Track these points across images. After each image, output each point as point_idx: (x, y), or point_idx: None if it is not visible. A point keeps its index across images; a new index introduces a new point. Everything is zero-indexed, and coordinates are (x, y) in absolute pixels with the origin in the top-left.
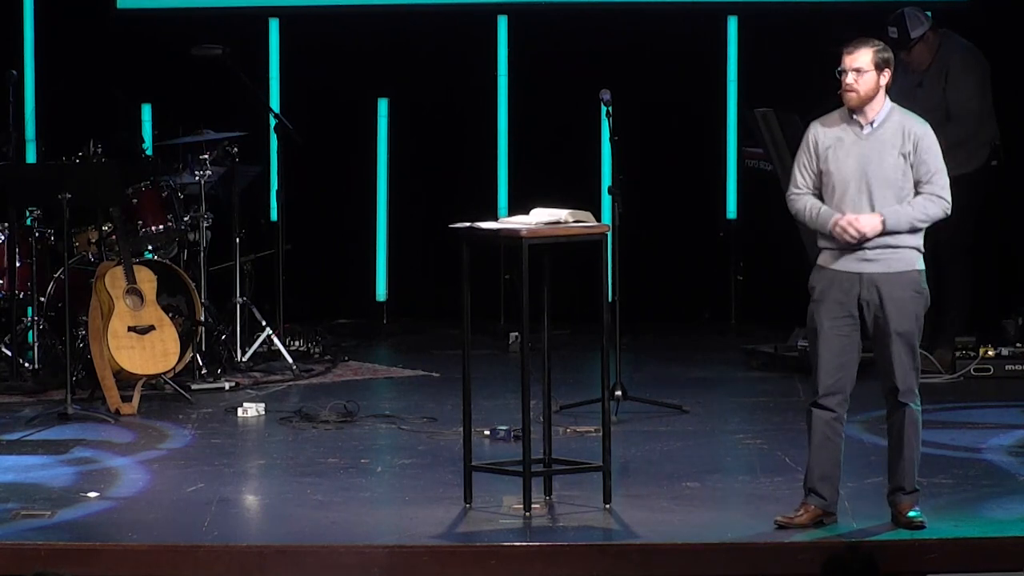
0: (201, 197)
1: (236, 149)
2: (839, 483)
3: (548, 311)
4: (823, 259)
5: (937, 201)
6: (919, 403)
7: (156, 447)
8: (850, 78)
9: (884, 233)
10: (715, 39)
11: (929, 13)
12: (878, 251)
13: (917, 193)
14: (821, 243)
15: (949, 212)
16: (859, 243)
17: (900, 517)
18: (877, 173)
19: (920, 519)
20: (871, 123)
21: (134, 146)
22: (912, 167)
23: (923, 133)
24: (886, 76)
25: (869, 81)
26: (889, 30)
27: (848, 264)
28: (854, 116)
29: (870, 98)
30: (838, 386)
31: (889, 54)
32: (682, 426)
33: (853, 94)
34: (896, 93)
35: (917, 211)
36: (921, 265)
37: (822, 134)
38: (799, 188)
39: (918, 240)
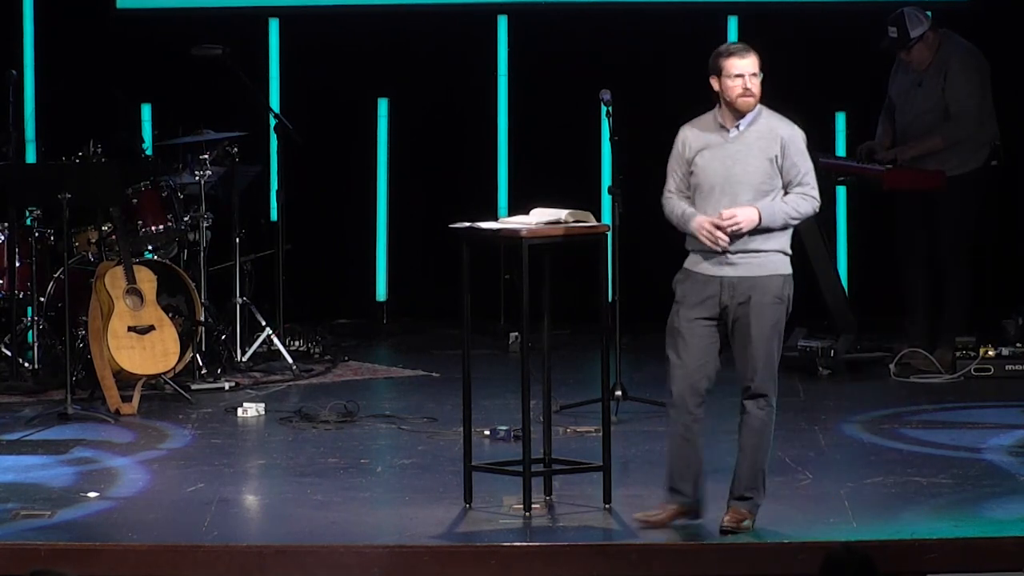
0: (201, 197)
1: (236, 149)
2: (703, 479)
3: (548, 311)
4: (688, 261)
5: (809, 199)
6: (773, 410)
7: (156, 447)
8: (750, 82)
9: (756, 232)
10: (715, 39)
11: (929, 13)
12: (741, 255)
13: (788, 193)
14: (688, 245)
15: (818, 210)
16: (722, 248)
17: (722, 521)
18: (741, 176)
19: (734, 526)
20: (737, 126)
21: (134, 146)
22: (781, 170)
23: (790, 135)
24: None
25: (759, 85)
26: (889, 30)
27: (711, 268)
28: (722, 120)
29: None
30: (696, 387)
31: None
32: None
33: (751, 99)
34: (896, 92)
35: (790, 207)
36: (786, 270)
37: (691, 137)
38: (670, 191)
39: (783, 243)
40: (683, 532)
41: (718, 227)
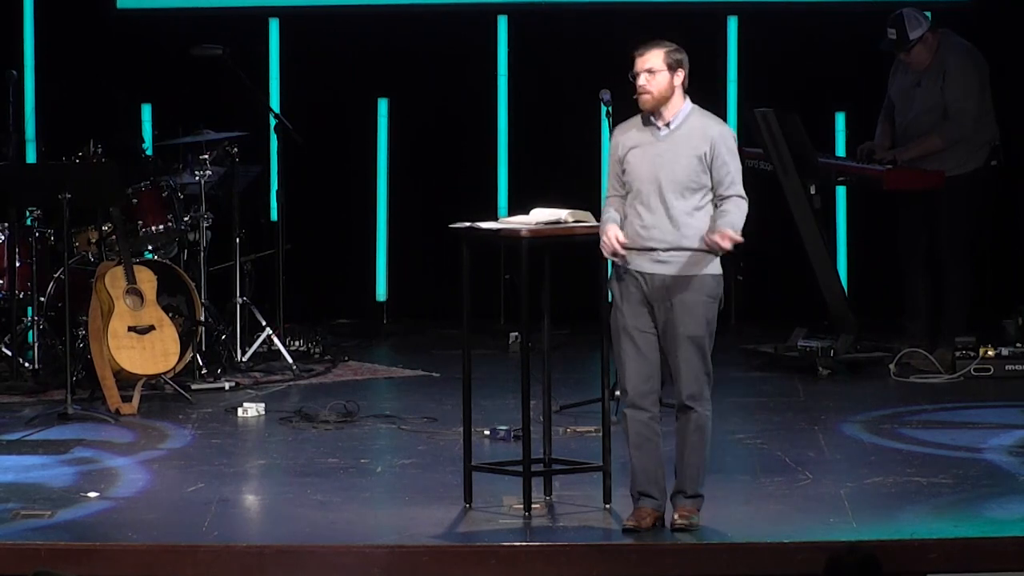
0: (201, 197)
1: (236, 149)
2: (664, 480)
3: (548, 311)
4: (622, 259)
5: (741, 204)
6: (709, 408)
7: (156, 447)
8: (642, 80)
9: (685, 230)
10: (715, 39)
11: (928, 14)
12: (671, 253)
13: (717, 195)
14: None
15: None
16: (620, 260)
17: (673, 519)
18: (669, 175)
19: (687, 523)
20: (667, 124)
21: (134, 146)
22: (710, 168)
23: (720, 134)
24: (680, 76)
25: (662, 82)
26: (888, 31)
27: (641, 264)
28: (653, 118)
29: (665, 99)
30: (651, 385)
31: (683, 55)
32: None
33: (647, 96)
34: (895, 93)
35: (740, 213)
36: (716, 270)
37: (623, 138)
38: (609, 193)
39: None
40: (684, 532)
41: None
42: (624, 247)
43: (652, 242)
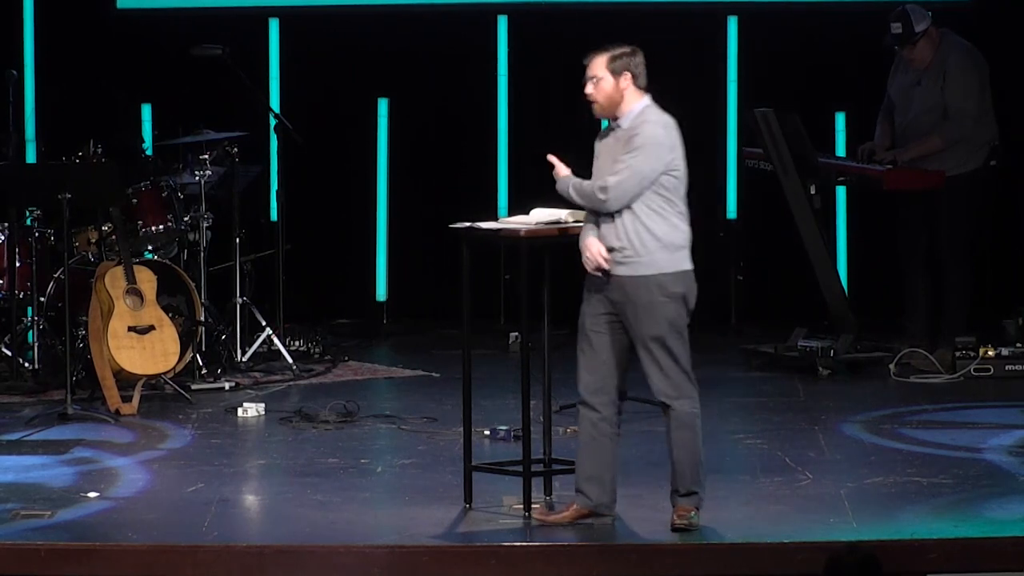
0: (201, 197)
1: (236, 149)
2: (612, 483)
3: (548, 311)
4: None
5: (597, 190)
6: (692, 405)
7: (156, 447)
8: (589, 88)
9: (640, 231)
10: (715, 39)
11: (930, 13)
12: (627, 254)
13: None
14: None
15: (601, 201)
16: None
17: (672, 519)
18: (602, 173)
19: (686, 523)
20: (620, 125)
21: (134, 146)
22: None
23: (635, 132)
24: (626, 79)
25: (607, 88)
26: (892, 26)
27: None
28: (615, 122)
29: (615, 103)
30: (602, 385)
31: (628, 58)
32: None
33: (595, 104)
34: (895, 92)
35: (577, 184)
36: (671, 268)
37: (597, 143)
38: None
39: (669, 241)
40: (684, 532)
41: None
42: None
43: (609, 243)
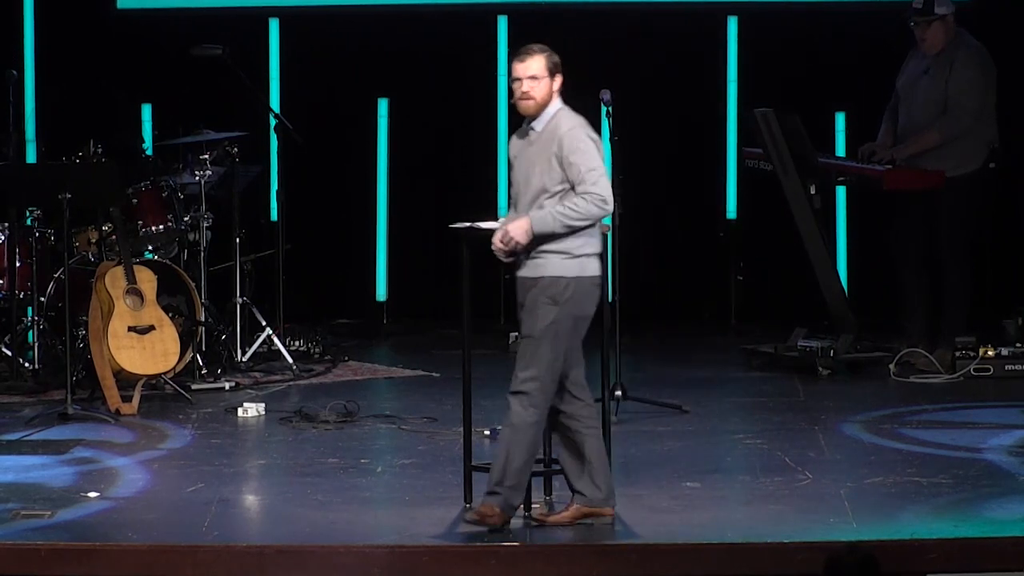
0: (201, 197)
1: (236, 149)
2: (600, 476)
3: None
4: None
5: (591, 198)
6: (530, 414)
7: (156, 447)
8: (526, 86)
9: (542, 238)
10: (715, 39)
11: (954, 3)
12: (531, 256)
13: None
14: None
15: (608, 207)
16: (513, 253)
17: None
18: (532, 179)
19: (476, 519)
20: (534, 128)
21: (134, 146)
22: (563, 168)
23: (567, 132)
24: (558, 81)
25: (544, 88)
26: (914, 1)
27: (518, 267)
28: (528, 124)
29: (545, 104)
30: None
31: (558, 59)
32: (682, 426)
33: (530, 102)
34: (902, 85)
35: (566, 209)
36: (569, 272)
37: (511, 146)
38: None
39: (569, 245)
40: (684, 532)
41: (502, 246)
42: (513, 253)
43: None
